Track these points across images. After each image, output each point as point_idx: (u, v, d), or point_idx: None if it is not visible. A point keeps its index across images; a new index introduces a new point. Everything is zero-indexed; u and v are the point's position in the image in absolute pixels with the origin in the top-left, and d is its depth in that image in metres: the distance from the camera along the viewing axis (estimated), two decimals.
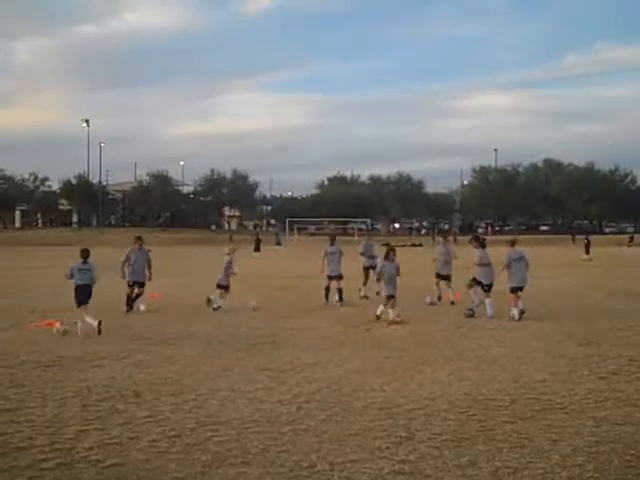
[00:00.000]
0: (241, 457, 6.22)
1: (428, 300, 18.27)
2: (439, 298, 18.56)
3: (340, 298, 18.25)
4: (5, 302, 18.61)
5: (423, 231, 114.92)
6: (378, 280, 16.27)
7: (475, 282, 16.38)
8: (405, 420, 7.43)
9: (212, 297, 17.28)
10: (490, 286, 16.11)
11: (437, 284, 19.02)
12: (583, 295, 21.21)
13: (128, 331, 13.68)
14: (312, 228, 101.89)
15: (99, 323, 13.28)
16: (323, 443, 6.63)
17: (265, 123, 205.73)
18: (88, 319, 13.41)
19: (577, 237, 70.22)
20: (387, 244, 24.94)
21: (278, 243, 70.98)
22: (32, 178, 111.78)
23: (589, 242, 45.51)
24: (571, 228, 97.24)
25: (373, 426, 7.21)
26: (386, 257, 15.83)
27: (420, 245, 72.60)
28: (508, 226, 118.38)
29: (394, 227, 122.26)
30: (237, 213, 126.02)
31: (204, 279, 18.07)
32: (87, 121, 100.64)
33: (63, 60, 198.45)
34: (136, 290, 17.07)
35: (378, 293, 17.63)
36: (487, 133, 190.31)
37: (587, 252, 44.45)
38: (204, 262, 24.54)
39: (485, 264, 16.39)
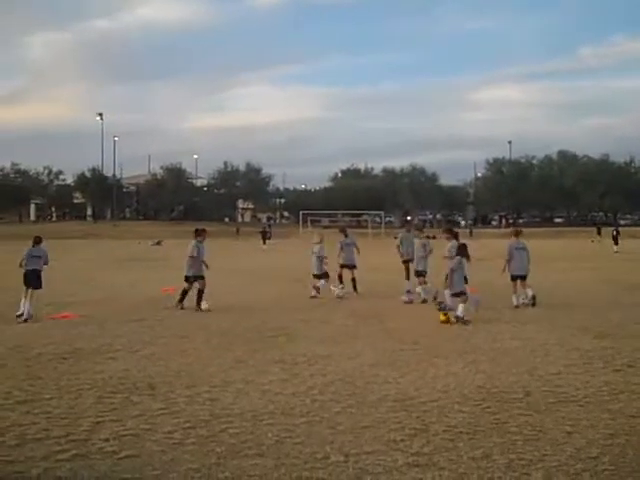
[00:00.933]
0: (255, 449, 6.24)
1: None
2: None
3: (354, 288, 18.43)
4: (21, 295, 18.70)
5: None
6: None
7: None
8: (419, 412, 7.42)
9: (333, 288, 17.90)
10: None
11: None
12: (597, 288, 21.12)
13: (142, 324, 13.74)
14: (325, 221, 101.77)
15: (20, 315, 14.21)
16: (337, 435, 6.64)
17: (278, 116, 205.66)
18: (27, 305, 14.60)
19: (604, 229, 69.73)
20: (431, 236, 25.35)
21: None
22: (47, 172, 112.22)
23: (618, 233, 45.25)
24: (591, 220, 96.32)
25: (387, 418, 7.21)
26: (461, 254, 14.64)
27: (434, 238, 72.34)
28: (522, 218, 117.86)
29: (406, 220, 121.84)
30: (250, 206, 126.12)
31: (217, 272, 18.07)
32: (101, 115, 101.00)
33: (77, 55, 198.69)
34: (198, 285, 16.24)
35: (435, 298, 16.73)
36: (501, 126, 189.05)
37: (616, 243, 44.21)
38: (217, 255, 24.56)
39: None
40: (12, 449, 6.24)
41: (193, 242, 16.60)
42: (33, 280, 15.25)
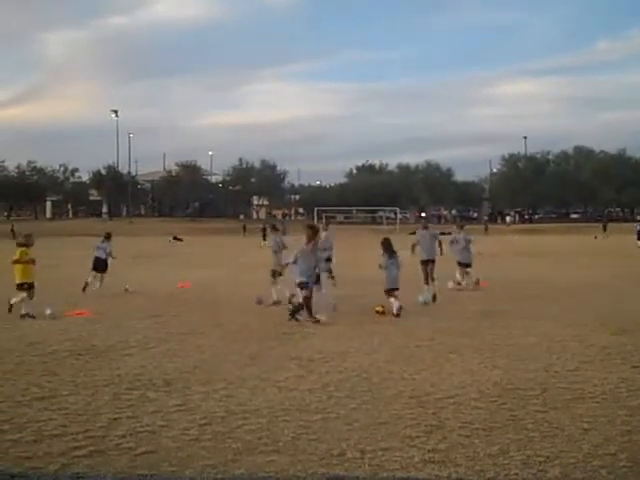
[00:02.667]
0: (271, 445, 6.25)
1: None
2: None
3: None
4: (37, 292, 18.81)
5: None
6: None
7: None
8: (435, 409, 7.41)
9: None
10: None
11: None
12: (614, 284, 20.99)
13: (158, 320, 13.79)
14: (341, 217, 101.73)
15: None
16: (353, 431, 6.63)
17: (293, 112, 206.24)
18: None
19: (610, 225, 69.41)
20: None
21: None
22: (62, 169, 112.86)
23: None
24: (600, 216, 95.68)
25: (403, 415, 7.20)
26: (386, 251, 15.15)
27: (449, 234, 72.11)
28: (538, 214, 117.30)
29: (420, 216, 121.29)
30: (265, 202, 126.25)
31: (232, 268, 18.13)
32: (116, 112, 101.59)
33: (93, 52, 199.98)
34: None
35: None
36: (517, 121, 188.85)
37: (639, 238, 43.88)
38: (231, 251, 24.60)
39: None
40: (30, 445, 6.27)
41: (274, 237, 17.46)
42: (100, 265, 19.79)
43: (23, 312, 14.29)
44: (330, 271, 16.98)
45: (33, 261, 14.99)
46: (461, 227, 21.88)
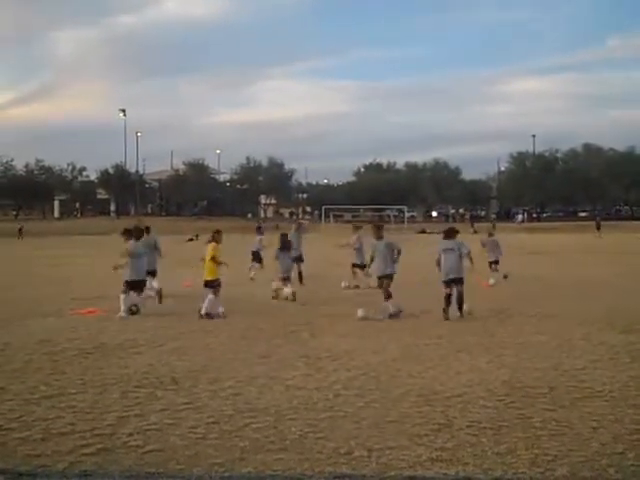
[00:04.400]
0: (279, 443, 6.25)
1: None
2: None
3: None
4: (47, 290, 18.92)
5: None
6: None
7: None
8: (443, 407, 7.39)
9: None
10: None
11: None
12: (622, 283, 20.91)
13: (166, 318, 13.81)
14: (348, 215, 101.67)
15: None
16: (361, 430, 6.63)
17: (302, 111, 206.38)
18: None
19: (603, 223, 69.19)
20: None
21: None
22: (70, 168, 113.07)
23: None
24: (595, 215, 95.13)
25: (411, 413, 7.19)
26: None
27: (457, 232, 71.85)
28: (546, 212, 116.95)
29: (428, 214, 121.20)
30: (273, 201, 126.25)
31: (238, 266, 18.13)
32: (124, 111, 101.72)
33: (102, 51, 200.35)
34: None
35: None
36: (526, 119, 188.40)
37: None
38: (238, 250, 24.61)
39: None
40: (38, 443, 6.30)
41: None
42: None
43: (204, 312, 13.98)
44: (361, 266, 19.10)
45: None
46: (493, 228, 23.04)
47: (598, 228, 65.38)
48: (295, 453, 5.99)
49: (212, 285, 14.33)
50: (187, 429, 6.68)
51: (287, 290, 16.72)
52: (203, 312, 13.90)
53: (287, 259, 17.45)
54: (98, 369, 9.34)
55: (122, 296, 14.33)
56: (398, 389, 8.17)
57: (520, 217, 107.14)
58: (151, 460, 5.86)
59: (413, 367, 9.30)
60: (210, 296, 14.11)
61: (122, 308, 14.20)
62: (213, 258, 14.35)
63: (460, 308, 13.80)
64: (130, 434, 6.53)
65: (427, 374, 8.93)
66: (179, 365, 9.56)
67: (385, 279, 14.27)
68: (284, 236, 17.91)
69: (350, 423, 6.84)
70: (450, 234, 14.63)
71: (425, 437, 6.40)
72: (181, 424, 6.84)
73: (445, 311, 13.59)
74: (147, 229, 17.61)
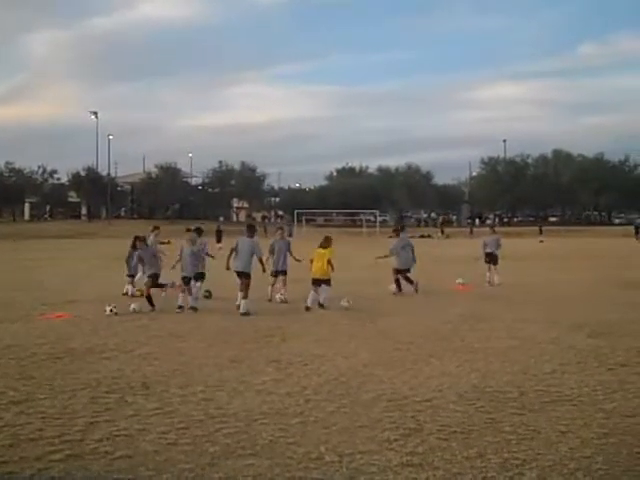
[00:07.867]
0: (249, 449, 6.24)
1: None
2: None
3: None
4: (15, 294, 18.68)
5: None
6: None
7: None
8: (414, 412, 7.43)
9: None
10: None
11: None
12: (592, 287, 21.14)
13: (136, 323, 13.73)
14: (320, 219, 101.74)
15: None
16: (332, 435, 6.64)
17: (276, 115, 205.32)
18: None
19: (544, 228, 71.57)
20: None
21: (289, 235, 67.81)
22: (41, 171, 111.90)
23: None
24: (537, 220, 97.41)
25: (382, 418, 7.21)
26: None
27: (429, 236, 72.43)
28: (517, 217, 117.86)
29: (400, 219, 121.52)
30: (245, 205, 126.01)
31: (216, 271, 18.05)
32: (95, 113, 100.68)
33: (75, 53, 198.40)
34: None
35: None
36: (498, 125, 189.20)
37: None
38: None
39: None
40: (5, 449, 6.23)
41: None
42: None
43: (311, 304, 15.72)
44: None
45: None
46: (493, 230, 24.32)
47: (540, 232, 68.17)
48: (266, 458, 5.99)
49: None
50: (157, 435, 6.65)
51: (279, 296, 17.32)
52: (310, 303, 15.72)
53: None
54: (67, 374, 9.25)
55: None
56: (369, 394, 8.19)
57: (489, 222, 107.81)
58: (120, 466, 5.82)
59: (384, 372, 9.34)
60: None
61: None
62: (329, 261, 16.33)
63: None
64: (99, 440, 6.48)
65: (398, 379, 8.96)
66: (150, 370, 9.51)
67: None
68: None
69: (321, 428, 6.85)
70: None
71: (395, 442, 6.42)
72: (151, 430, 6.80)
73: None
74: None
